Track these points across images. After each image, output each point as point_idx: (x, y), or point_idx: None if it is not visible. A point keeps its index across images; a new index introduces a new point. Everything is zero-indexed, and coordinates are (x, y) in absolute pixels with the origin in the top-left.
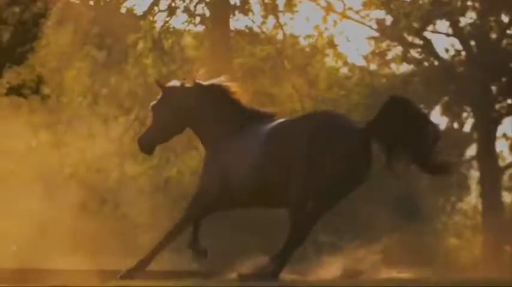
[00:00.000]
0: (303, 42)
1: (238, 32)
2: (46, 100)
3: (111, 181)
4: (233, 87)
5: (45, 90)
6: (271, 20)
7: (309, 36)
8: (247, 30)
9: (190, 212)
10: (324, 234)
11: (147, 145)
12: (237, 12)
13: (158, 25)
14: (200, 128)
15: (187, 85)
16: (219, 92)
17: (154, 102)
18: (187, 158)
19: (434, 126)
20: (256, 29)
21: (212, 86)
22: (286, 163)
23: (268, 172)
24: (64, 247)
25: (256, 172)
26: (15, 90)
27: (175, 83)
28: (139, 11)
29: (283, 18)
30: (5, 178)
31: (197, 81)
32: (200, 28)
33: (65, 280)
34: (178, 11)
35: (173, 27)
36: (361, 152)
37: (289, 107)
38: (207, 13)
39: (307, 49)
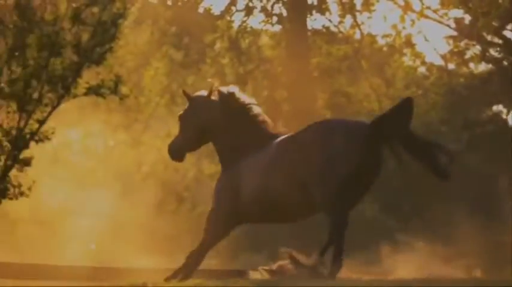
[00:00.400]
0: (380, 41)
1: (316, 32)
2: (124, 100)
3: (188, 180)
4: (252, 102)
5: (124, 90)
6: (348, 20)
7: (386, 35)
8: (324, 30)
9: (214, 232)
10: (400, 234)
11: (176, 152)
12: (314, 11)
13: (235, 25)
14: (219, 144)
15: (211, 97)
16: (239, 108)
17: (181, 112)
18: None
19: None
20: (333, 29)
21: (233, 100)
22: (298, 178)
23: (277, 192)
24: (142, 246)
25: (264, 193)
26: (94, 90)
27: (202, 93)
28: (216, 10)
29: (361, 17)
30: (84, 177)
31: (219, 93)
32: (277, 28)
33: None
34: (256, 11)
35: (250, 27)
36: (370, 148)
37: (366, 107)
38: (284, 13)
39: (385, 48)
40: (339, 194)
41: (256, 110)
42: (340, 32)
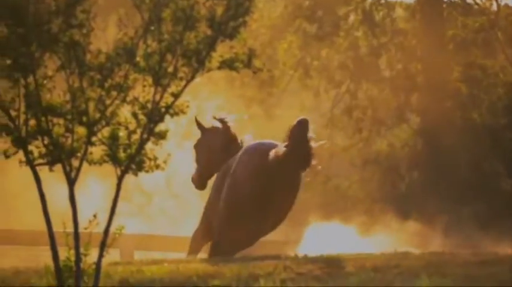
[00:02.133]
0: None
1: (451, 4)
2: (258, 74)
3: (323, 153)
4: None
5: (257, 63)
6: None
7: None
8: (460, 2)
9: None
10: None
11: (198, 183)
12: None
13: None
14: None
15: (217, 126)
16: (228, 135)
17: (195, 142)
18: (397, 131)
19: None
20: (469, 0)
21: (225, 129)
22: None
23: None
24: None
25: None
26: (228, 64)
27: (214, 123)
28: None
29: None
30: None
31: (222, 124)
32: (412, 0)
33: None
34: None
35: (384, 0)
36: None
37: (502, 80)
38: None
39: None
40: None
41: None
42: (476, 3)
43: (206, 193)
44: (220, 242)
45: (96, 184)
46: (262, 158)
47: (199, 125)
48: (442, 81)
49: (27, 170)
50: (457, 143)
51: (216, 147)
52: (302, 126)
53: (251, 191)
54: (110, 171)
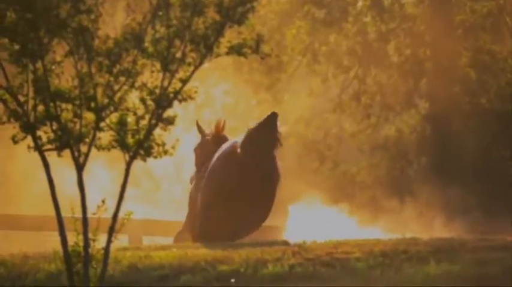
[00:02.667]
0: None
1: None
2: (266, 59)
3: (330, 139)
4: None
5: (265, 49)
6: None
7: None
8: None
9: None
10: None
11: None
12: None
13: None
14: None
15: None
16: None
17: (195, 145)
18: (406, 117)
19: None
20: None
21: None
22: None
23: None
24: (279, 205)
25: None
26: (236, 50)
27: (210, 129)
28: None
29: None
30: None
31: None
32: None
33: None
34: None
35: None
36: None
37: (510, 65)
38: None
39: None
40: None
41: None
42: None
43: None
44: (202, 233)
45: (104, 169)
46: (234, 149)
47: (199, 129)
48: (450, 66)
49: (35, 156)
50: (465, 128)
51: (208, 151)
52: (271, 118)
53: (224, 181)
54: (118, 157)
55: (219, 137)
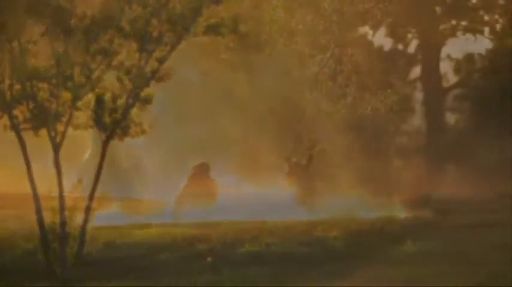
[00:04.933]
0: None
1: None
2: (243, 39)
3: (307, 118)
4: None
5: (243, 28)
6: None
7: None
8: None
9: None
10: None
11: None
12: None
13: None
14: None
15: None
16: None
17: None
18: (382, 96)
19: None
20: None
21: None
22: None
23: None
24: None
25: None
26: (213, 29)
27: None
28: None
29: None
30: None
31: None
32: None
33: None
34: None
35: None
36: None
37: None
38: None
39: None
40: None
41: None
42: None
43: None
44: None
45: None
46: None
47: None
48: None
49: (12, 135)
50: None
51: None
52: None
53: None
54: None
55: None
